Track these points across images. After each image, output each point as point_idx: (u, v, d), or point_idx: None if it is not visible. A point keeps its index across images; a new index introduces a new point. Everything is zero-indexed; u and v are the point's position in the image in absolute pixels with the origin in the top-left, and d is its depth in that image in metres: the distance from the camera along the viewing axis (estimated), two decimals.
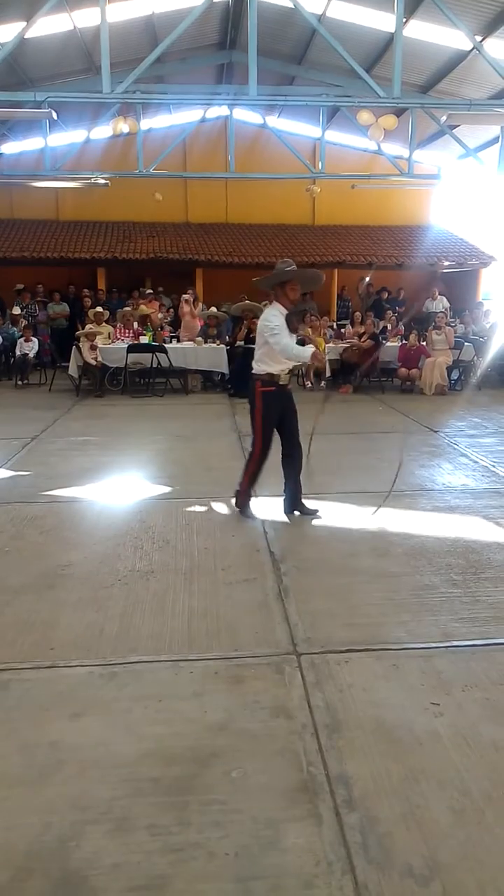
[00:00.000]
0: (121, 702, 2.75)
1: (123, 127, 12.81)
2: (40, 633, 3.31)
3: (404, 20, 9.91)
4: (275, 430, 4.98)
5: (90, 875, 1.94)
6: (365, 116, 12.30)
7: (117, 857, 2.00)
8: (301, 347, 4.79)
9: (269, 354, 4.81)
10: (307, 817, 2.15)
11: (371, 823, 2.13)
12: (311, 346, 5.02)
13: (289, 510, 5.07)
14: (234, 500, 5.14)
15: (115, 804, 2.21)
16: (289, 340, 4.71)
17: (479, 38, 10.52)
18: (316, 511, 5.06)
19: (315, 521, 4.94)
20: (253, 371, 4.93)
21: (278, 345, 4.66)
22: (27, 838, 2.07)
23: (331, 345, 12.04)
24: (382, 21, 11.59)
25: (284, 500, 5.09)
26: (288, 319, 4.75)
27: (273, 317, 4.73)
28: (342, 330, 13.47)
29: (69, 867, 1.97)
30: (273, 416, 4.90)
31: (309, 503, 5.12)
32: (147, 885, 1.91)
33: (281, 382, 4.90)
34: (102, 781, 2.31)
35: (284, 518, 5.00)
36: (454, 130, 13.69)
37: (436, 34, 11.61)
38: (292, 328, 4.79)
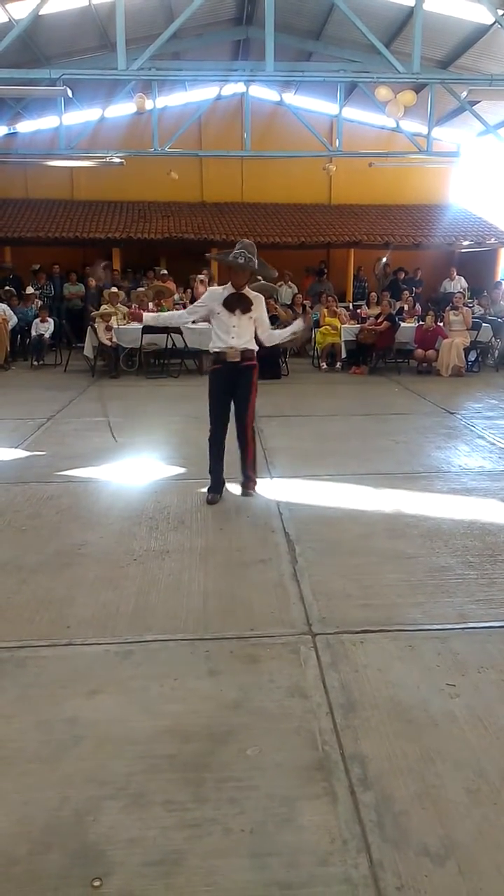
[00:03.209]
0: (137, 680, 2.76)
1: (147, 103, 12.71)
2: (57, 611, 3.33)
3: None
4: (223, 408, 5.02)
5: (107, 849, 1.97)
6: (383, 93, 12.07)
7: (134, 832, 2.02)
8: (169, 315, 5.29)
9: (214, 332, 4.96)
10: (322, 795, 2.16)
11: (386, 802, 2.13)
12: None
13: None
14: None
15: (132, 780, 2.23)
16: (168, 315, 5.26)
17: (500, 12, 10.26)
18: (251, 494, 5.08)
19: (330, 503, 4.92)
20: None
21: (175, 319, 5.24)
22: (45, 813, 2.10)
23: (346, 325, 11.96)
24: None
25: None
26: (230, 298, 4.83)
27: (206, 293, 5.00)
28: (358, 311, 13.37)
29: (86, 841, 1.99)
30: (217, 394, 4.98)
31: (314, 484, 5.11)
32: (163, 860, 1.93)
33: (228, 360, 4.92)
34: (119, 757, 2.33)
35: (299, 499, 4.98)
36: (474, 107, 13.45)
37: (456, 8, 11.36)
38: (233, 307, 4.84)
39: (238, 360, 4.92)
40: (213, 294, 4.95)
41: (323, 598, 3.47)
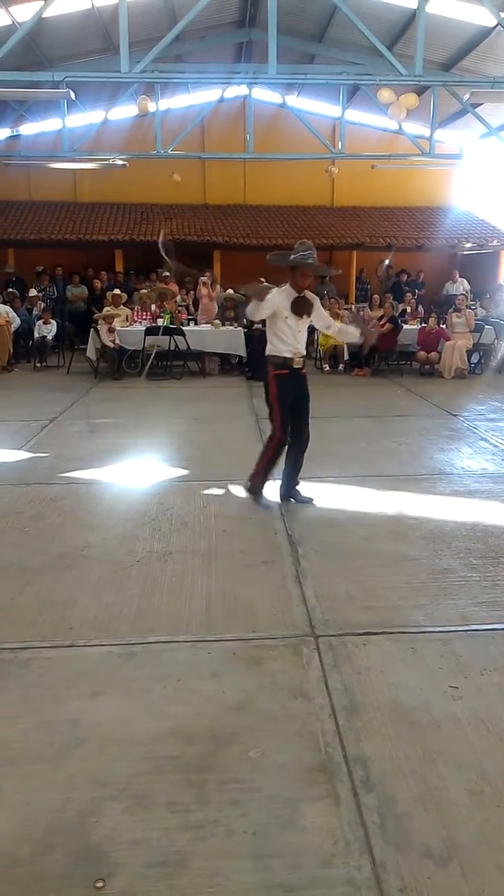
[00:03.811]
0: (139, 681, 2.77)
1: (150, 106, 12.74)
2: (60, 612, 3.33)
3: None
4: (289, 413, 4.86)
5: (110, 850, 1.97)
6: (386, 95, 12.11)
7: (137, 834, 2.02)
8: (259, 304, 4.77)
9: (278, 337, 4.74)
10: (325, 797, 2.16)
11: (389, 804, 2.13)
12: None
13: (284, 496, 4.99)
14: (246, 484, 5.01)
15: (135, 781, 2.23)
16: (251, 307, 4.67)
17: (503, 14, 10.28)
18: (311, 500, 4.97)
19: (333, 505, 4.92)
20: (266, 354, 4.87)
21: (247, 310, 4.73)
22: (48, 814, 2.10)
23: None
24: None
25: (280, 484, 5.00)
26: (297, 301, 4.67)
27: (274, 295, 4.67)
28: (360, 313, 13.36)
29: (89, 842, 2.00)
30: (286, 399, 4.81)
31: (316, 486, 5.09)
32: (166, 861, 1.93)
33: (295, 366, 4.80)
34: (122, 759, 2.33)
35: (291, 500, 4.97)
36: (477, 109, 13.47)
37: (459, 10, 11.38)
38: (300, 310, 4.69)
39: (302, 366, 4.87)
40: (281, 297, 4.68)
41: (326, 599, 3.47)
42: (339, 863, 1.93)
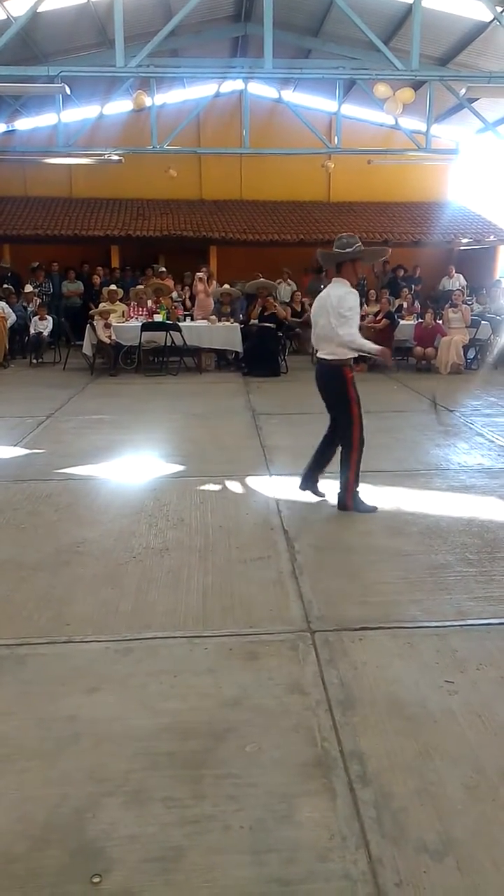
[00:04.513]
0: (136, 677, 2.77)
1: (147, 101, 12.70)
2: (56, 609, 3.33)
3: None
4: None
5: (106, 846, 1.97)
6: (382, 90, 12.07)
7: (133, 829, 2.03)
8: (370, 344, 4.64)
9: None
10: (321, 792, 2.17)
11: (385, 799, 2.14)
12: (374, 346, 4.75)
13: (303, 486, 4.97)
14: (338, 505, 4.73)
15: (131, 777, 2.23)
16: (356, 331, 4.47)
17: (499, 9, 10.26)
18: (324, 495, 4.93)
19: (329, 500, 4.91)
20: (333, 358, 4.64)
21: (345, 334, 4.46)
22: (45, 809, 2.10)
23: None
24: None
25: (303, 475, 4.96)
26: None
27: (349, 296, 4.47)
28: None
29: (86, 838, 2.00)
30: (359, 399, 4.70)
31: (321, 481, 5.07)
32: (163, 857, 1.93)
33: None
34: (118, 754, 2.33)
35: (298, 496, 4.98)
36: (473, 104, 13.43)
37: (455, 5, 11.35)
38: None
39: None
40: (354, 293, 4.52)
41: (322, 595, 3.47)
42: (336, 857, 1.93)
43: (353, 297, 4.52)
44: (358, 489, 4.74)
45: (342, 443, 4.77)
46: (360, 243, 4.56)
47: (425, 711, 2.56)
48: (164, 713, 2.54)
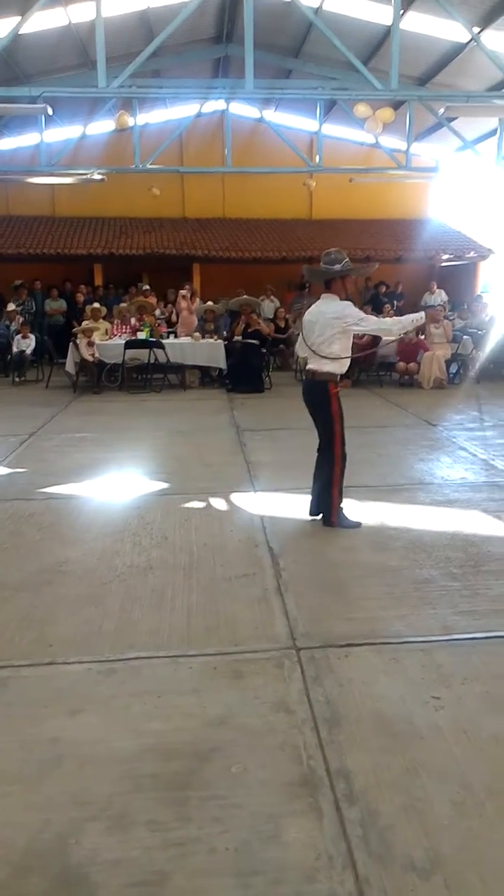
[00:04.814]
0: (119, 698, 2.74)
1: (129, 121, 12.79)
2: (38, 629, 3.29)
3: (401, 12, 9.86)
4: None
5: (90, 871, 1.93)
6: (362, 109, 12.24)
7: (117, 853, 1.99)
8: (410, 315, 4.64)
9: (343, 349, 4.58)
10: (308, 811, 2.14)
11: (372, 817, 2.12)
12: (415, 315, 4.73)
13: (314, 511, 4.85)
14: (322, 521, 4.75)
15: (115, 800, 2.20)
16: (383, 319, 4.42)
17: (476, 30, 10.47)
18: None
19: (313, 518, 4.90)
20: (318, 371, 4.63)
21: (385, 326, 4.62)
22: (26, 835, 2.06)
23: None
24: (379, 13, 11.54)
25: (312, 500, 4.85)
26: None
27: (348, 307, 4.49)
28: None
29: (68, 863, 1.96)
30: (343, 415, 4.72)
31: (297, 498, 5.06)
32: (147, 881, 1.90)
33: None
34: (102, 777, 2.30)
35: (283, 513, 4.97)
36: (452, 123, 13.66)
37: (433, 26, 11.55)
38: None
39: None
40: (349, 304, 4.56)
41: (307, 611, 3.46)
42: (322, 877, 1.91)
43: (350, 305, 4.54)
44: (342, 505, 4.74)
45: (325, 458, 4.77)
46: (347, 259, 4.59)
47: (411, 727, 2.55)
48: (148, 734, 2.51)
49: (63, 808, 2.17)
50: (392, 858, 1.97)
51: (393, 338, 4.55)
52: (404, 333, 4.67)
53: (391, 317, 14.10)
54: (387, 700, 2.71)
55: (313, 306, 4.75)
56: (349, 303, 4.56)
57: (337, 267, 4.52)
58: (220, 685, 2.82)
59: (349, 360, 4.71)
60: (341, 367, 4.66)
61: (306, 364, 4.88)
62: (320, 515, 4.81)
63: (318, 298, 4.73)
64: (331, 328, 4.49)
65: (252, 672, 2.91)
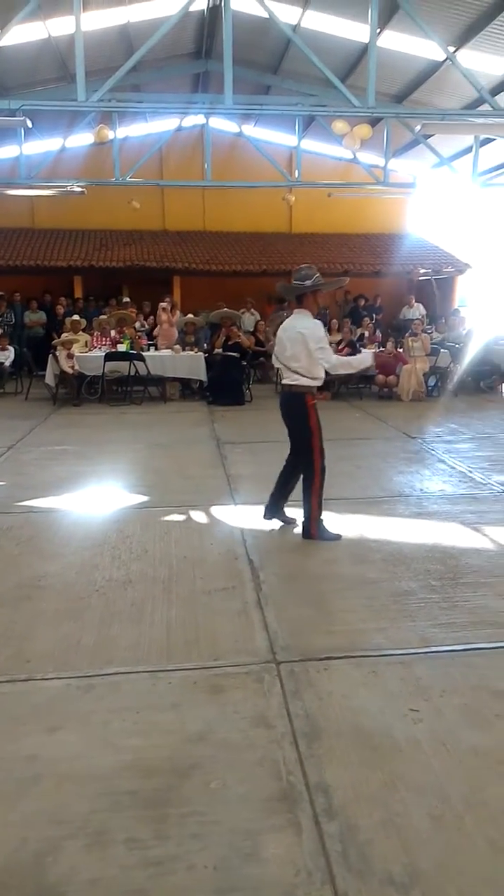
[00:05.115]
0: (98, 714, 2.71)
1: (109, 134, 12.82)
2: (16, 645, 3.26)
3: (378, 31, 10.02)
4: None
5: (67, 891, 1.91)
6: (340, 126, 12.38)
7: (94, 872, 1.97)
8: (356, 357, 4.72)
9: (315, 364, 4.63)
10: (287, 827, 2.14)
11: (351, 832, 2.12)
12: (369, 350, 4.91)
13: (268, 516, 5.01)
14: (302, 534, 4.76)
15: (93, 818, 2.18)
16: (340, 357, 4.64)
17: (451, 49, 10.65)
18: (294, 520, 4.97)
19: (295, 529, 4.92)
20: (295, 384, 4.69)
21: (329, 363, 4.59)
22: (2, 854, 2.04)
23: None
24: (357, 31, 11.70)
25: (267, 505, 4.99)
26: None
27: (316, 328, 4.56)
28: None
29: (45, 883, 1.94)
30: (321, 427, 4.76)
31: (285, 510, 5.09)
32: None
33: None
34: (80, 795, 2.28)
35: (263, 525, 4.98)
36: (429, 140, 13.85)
37: (410, 45, 11.73)
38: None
39: None
40: (322, 327, 4.63)
41: (287, 625, 3.46)
42: (301, 893, 1.90)
43: (320, 328, 4.63)
44: (322, 517, 4.77)
45: (304, 471, 4.79)
46: (318, 274, 4.65)
47: (390, 741, 2.55)
48: (127, 750, 2.50)
49: (40, 827, 2.14)
50: (371, 873, 1.97)
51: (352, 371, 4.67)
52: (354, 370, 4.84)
53: (369, 329, 14.31)
54: (366, 713, 2.72)
55: (286, 321, 4.82)
56: (319, 324, 4.65)
57: (308, 283, 4.59)
58: (200, 700, 2.81)
59: (324, 373, 4.76)
60: (314, 379, 4.71)
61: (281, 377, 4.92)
62: (273, 520, 4.93)
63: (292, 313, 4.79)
64: (299, 344, 4.57)
65: (232, 686, 2.91)
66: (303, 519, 4.77)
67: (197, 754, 2.47)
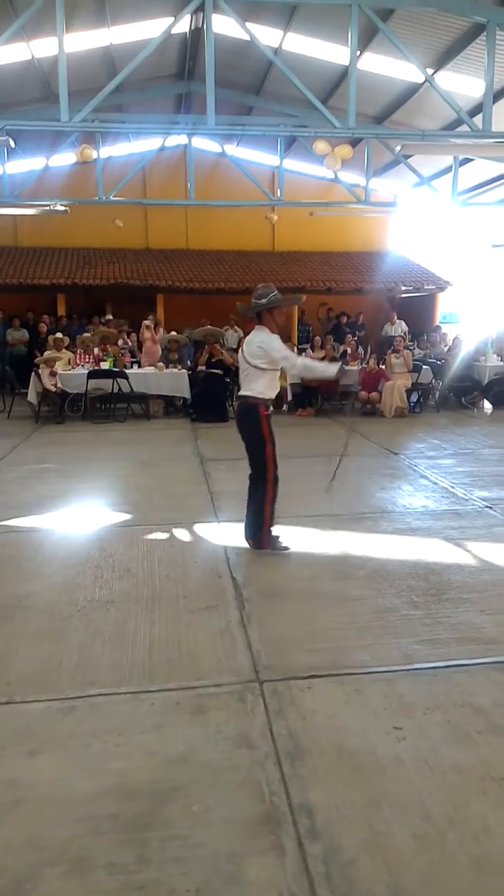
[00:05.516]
0: (79, 737, 2.68)
1: (92, 153, 12.89)
2: None
3: (358, 53, 10.17)
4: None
5: None
6: (321, 146, 12.53)
7: None
8: (323, 364, 4.80)
9: (273, 378, 4.73)
10: (270, 849, 2.12)
11: (334, 852, 2.10)
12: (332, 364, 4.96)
13: (248, 535, 5.00)
14: (252, 544, 4.83)
15: (74, 843, 2.15)
16: (303, 359, 4.77)
17: (430, 71, 10.83)
18: (277, 537, 4.99)
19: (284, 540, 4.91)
20: (250, 395, 4.74)
21: (296, 365, 4.73)
22: None
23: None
24: (337, 54, 11.88)
25: (245, 525, 5.02)
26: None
27: (273, 341, 4.65)
28: (303, 354, 13.60)
29: None
30: (274, 437, 4.82)
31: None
32: None
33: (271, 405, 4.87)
34: (60, 820, 2.25)
35: (246, 543, 4.96)
36: (409, 160, 14.05)
37: (389, 67, 11.92)
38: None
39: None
40: (280, 340, 4.71)
41: (270, 643, 3.45)
42: None
43: (277, 340, 4.71)
44: (272, 528, 4.82)
45: (257, 482, 4.84)
46: (275, 292, 4.74)
47: (374, 759, 2.55)
48: (109, 774, 2.47)
49: (20, 853, 2.11)
50: (354, 894, 1.95)
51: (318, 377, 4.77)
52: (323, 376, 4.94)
53: (352, 346, 14.41)
54: (349, 732, 2.71)
55: (247, 338, 4.93)
56: (276, 337, 4.73)
57: (263, 301, 4.68)
58: (182, 721, 2.79)
59: (277, 385, 4.87)
60: (270, 390, 4.79)
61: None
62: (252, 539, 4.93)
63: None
64: (256, 357, 4.67)
65: (214, 707, 2.89)
66: (254, 529, 4.83)
67: (179, 777, 2.45)
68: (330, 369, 4.79)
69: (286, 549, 4.82)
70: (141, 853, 2.11)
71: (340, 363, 4.83)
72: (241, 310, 5.02)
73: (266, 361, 4.66)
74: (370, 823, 2.23)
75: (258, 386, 4.72)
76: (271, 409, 4.84)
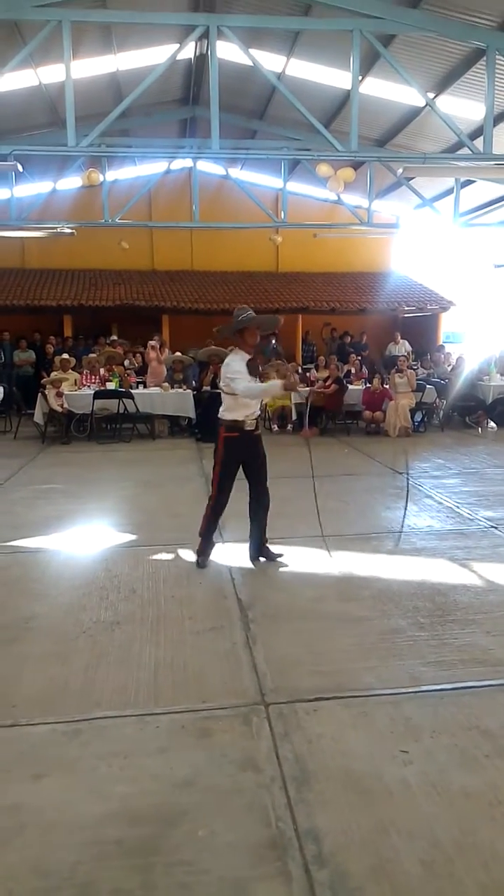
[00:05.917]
0: (85, 760, 2.67)
1: (98, 177, 13.04)
2: (2, 689, 3.22)
3: (360, 78, 10.31)
4: (234, 476, 4.98)
5: None
6: (324, 169, 12.67)
7: None
8: (265, 384, 4.86)
9: (235, 400, 4.81)
10: (276, 875, 2.10)
11: (341, 879, 2.09)
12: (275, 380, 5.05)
13: (254, 556, 5.05)
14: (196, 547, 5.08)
15: (79, 869, 2.14)
16: (248, 383, 4.70)
17: (431, 95, 10.97)
18: (281, 555, 5.04)
19: (281, 567, 4.93)
20: (220, 416, 4.92)
21: (237, 389, 4.71)
22: None
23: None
24: (339, 79, 12.04)
25: (249, 546, 5.07)
26: (250, 363, 4.81)
27: (234, 362, 4.77)
28: (307, 374, 13.65)
29: None
30: (233, 462, 4.92)
31: (274, 548, 5.11)
32: None
33: (247, 428, 4.90)
34: (65, 845, 2.23)
35: (250, 564, 4.98)
36: (411, 182, 14.19)
37: (391, 91, 12.08)
38: (255, 371, 4.83)
39: (255, 427, 4.97)
40: (242, 359, 4.79)
41: (276, 665, 3.44)
42: None
43: (236, 362, 4.78)
44: (211, 543, 5.01)
45: (260, 499, 5.06)
46: (249, 313, 4.84)
47: (381, 784, 2.53)
48: (114, 798, 2.46)
49: (24, 878, 2.10)
50: None
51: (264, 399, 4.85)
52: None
53: (355, 365, 14.44)
54: (356, 756, 2.69)
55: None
56: (237, 358, 4.81)
57: (236, 322, 4.80)
58: (188, 744, 2.78)
59: (249, 407, 4.91)
60: (232, 412, 4.86)
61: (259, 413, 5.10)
62: (260, 559, 5.05)
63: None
64: (224, 380, 4.83)
65: (220, 729, 2.88)
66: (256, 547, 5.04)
67: (185, 801, 2.44)
68: (273, 387, 4.86)
69: (204, 565, 4.91)
70: (146, 879, 2.09)
71: (291, 376, 4.88)
72: (217, 332, 5.14)
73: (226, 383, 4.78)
74: (377, 849, 2.21)
75: (223, 407, 4.90)
76: (242, 432, 4.88)
